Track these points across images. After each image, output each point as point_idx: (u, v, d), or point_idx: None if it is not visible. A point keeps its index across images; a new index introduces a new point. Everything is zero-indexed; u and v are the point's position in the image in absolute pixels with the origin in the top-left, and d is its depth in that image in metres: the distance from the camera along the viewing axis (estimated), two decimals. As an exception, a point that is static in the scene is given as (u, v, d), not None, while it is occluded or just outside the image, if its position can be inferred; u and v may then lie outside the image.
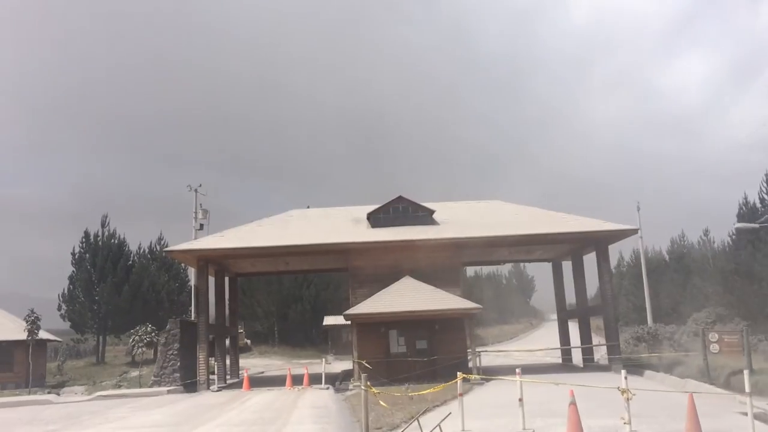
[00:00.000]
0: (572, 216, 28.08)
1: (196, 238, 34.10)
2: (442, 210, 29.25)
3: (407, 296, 25.10)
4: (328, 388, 24.96)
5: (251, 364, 44.06)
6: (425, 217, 28.37)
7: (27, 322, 28.26)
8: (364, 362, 24.48)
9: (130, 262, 52.23)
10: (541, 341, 56.08)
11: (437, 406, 16.34)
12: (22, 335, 30.02)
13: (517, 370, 12.00)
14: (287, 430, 13.57)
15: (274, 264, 31.07)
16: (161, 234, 58.20)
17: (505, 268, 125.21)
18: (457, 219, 28.99)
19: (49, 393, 28.20)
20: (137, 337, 28.66)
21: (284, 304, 69.85)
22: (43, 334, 34.12)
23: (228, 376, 30.86)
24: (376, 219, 28.27)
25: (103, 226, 52.18)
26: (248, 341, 65.98)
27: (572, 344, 32.29)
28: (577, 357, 31.09)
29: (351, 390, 23.23)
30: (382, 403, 12.18)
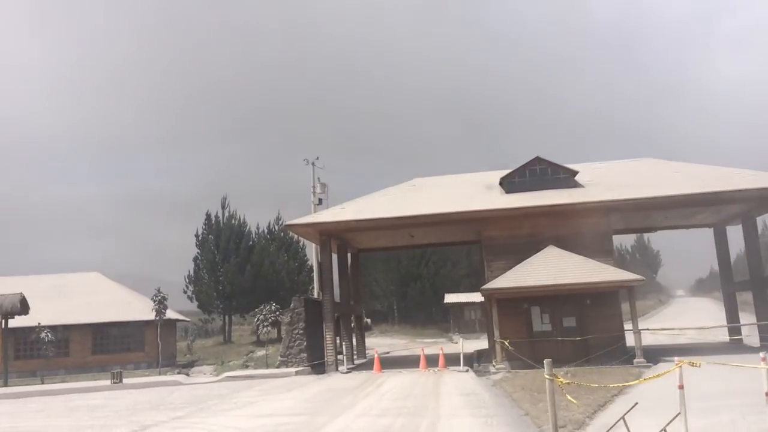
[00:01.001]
0: (748, 171, 23.83)
1: (287, 222, 32.92)
2: (585, 171, 25.90)
3: (553, 268, 22.13)
4: (467, 371, 22.61)
5: (373, 343, 42.63)
6: (566, 179, 25.15)
7: (154, 302, 27.95)
8: (506, 342, 21.92)
9: (251, 243, 52.29)
10: (679, 319, 50.97)
11: (615, 395, 13.47)
12: (152, 315, 29.95)
13: (685, 361, 8.99)
14: (443, 424, 11.28)
15: (398, 237, 28.99)
16: (279, 214, 57.98)
17: (628, 241, 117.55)
18: (604, 180, 25.52)
19: (178, 373, 27.82)
20: (261, 317, 27.66)
21: (403, 282, 68.31)
22: (172, 315, 34.20)
23: (354, 356, 29.28)
24: (510, 184, 25.39)
25: (223, 207, 52.55)
26: (368, 320, 64.82)
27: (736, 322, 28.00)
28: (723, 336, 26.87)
29: (494, 373, 20.72)
30: (570, 398, 9.54)
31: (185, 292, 50.82)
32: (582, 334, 22.65)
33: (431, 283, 67.46)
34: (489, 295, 22.20)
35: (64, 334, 33.52)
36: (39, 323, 28.81)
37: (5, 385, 25.98)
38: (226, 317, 51.97)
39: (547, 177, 25.22)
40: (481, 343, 48.79)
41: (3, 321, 26.30)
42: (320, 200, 32.49)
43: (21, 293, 26.78)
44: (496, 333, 22.01)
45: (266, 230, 57.01)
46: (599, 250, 23.23)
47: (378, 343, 43.69)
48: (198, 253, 51.64)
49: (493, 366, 22.02)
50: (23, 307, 26.72)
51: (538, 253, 23.16)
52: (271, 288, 50.51)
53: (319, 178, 32.78)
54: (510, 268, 23.21)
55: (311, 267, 58.85)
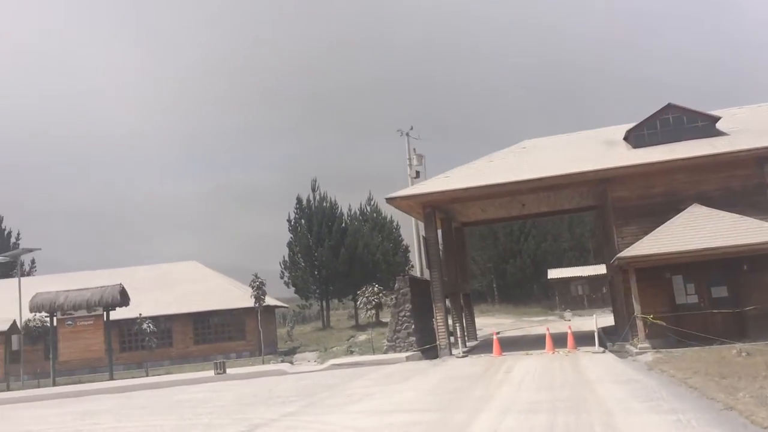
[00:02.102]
0: None
1: (387, 195, 30.84)
2: (726, 118, 22.28)
3: (702, 229, 18.93)
4: (603, 352, 19.85)
5: (476, 324, 40.27)
6: (705, 127, 21.69)
7: (252, 288, 26.72)
8: (650, 318, 18.99)
9: (343, 225, 50.87)
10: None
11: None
12: (251, 302, 28.87)
13: None
14: (622, 424, 8.79)
15: (507, 207, 26.37)
16: (370, 194, 56.39)
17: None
18: (750, 126, 21.90)
19: (282, 361, 26.52)
20: (364, 299, 25.84)
21: (501, 259, 65.26)
22: (270, 301, 33.14)
23: (465, 338, 27.02)
24: (638, 137, 22.19)
25: (313, 190, 51.36)
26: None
27: None
28: None
29: (639, 353, 17.87)
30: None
31: (281, 278, 50.24)
32: (736, 305, 19.41)
33: (532, 258, 64.07)
34: (627, 263, 19.24)
35: (166, 324, 33.13)
36: (140, 314, 28.29)
37: (111, 378, 25.53)
38: (324, 302, 50.96)
39: (681, 126, 21.85)
40: (593, 321, 45.39)
41: (105, 313, 25.79)
42: (417, 173, 30.29)
43: (120, 284, 26.21)
44: (637, 307, 19.08)
45: (358, 212, 55.63)
46: (753, 206, 19.79)
47: (482, 324, 41.19)
48: (291, 238, 50.81)
49: (633, 346, 19.16)
50: (123, 299, 26.13)
51: (680, 214, 19.98)
52: (366, 270, 49.00)
53: (414, 149, 30.58)
54: (644, 232, 20.21)
55: (406, 247, 57.14)
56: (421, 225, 29.04)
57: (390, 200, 22.70)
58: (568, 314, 47.78)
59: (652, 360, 16.00)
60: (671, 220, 19.86)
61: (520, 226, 64.24)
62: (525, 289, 65.76)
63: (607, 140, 23.38)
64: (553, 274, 58.23)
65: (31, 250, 29.76)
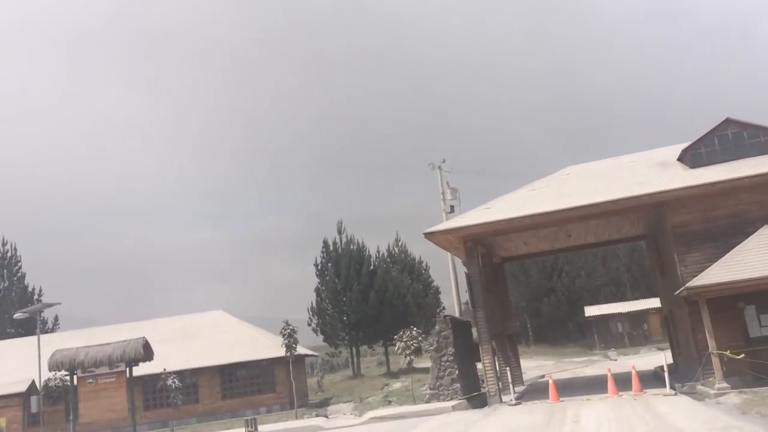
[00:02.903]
0: None
1: (425, 230, 29.40)
2: (787, 131, 20.57)
3: (780, 253, 17.08)
4: (675, 394, 17.81)
5: (519, 366, 37.98)
6: (768, 142, 19.98)
7: (283, 336, 25.10)
8: (726, 353, 17.01)
9: (372, 268, 49.20)
10: None
11: None
12: (281, 352, 27.20)
13: None
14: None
15: (552, 239, 24.65)
16: (398, 235, 54.78)
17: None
18: (817, 141, 20.14)
19: (316, 415, 24.67)
20: (402, 344, 24.04)
21: (534, 297, 62.89)
22: (301, 350, 31.43)
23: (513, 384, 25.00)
24: (695, 156, 20.50)
25: (339, 232, 49.95)
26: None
27: None
28: None
29: (719, 395, 15.84)
30: None
31: (309, 325, 48.46)
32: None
33: (567, 295, 61.63)
34: (697, 294, 17.34)
35: (191, 378, 31.45)
36: (165, 369, 26.73)
37: (135, 438, 23.85)
38: (353, 349, 48.97)
39: (742, 142, 20.15)
40: (642, 359, 43.00)
41: (127, 369, 24.24)
42: (452, 207, 28.81)
43: (143, 338, 24.70)
44: (712, 343, 17.10)
45: (386, 254, 54.01)
46: (830, 226, 17.94)
47: (524, 366, 38.97)
48: (318, 283, 49.24)
49: (708, 386, 17.12)
50: (147, 353, 24.57)
51: (750, 237, 18.14)
52: (397, 314, 47.07)
53: (448, 183, 29.15)
54: (709, 260, 18.38)
55: (437, 288, 55.25)
56: (458, 262, 27.44)
57: (429, 235, 21.10)
58: (612, 353, 45.23)
59: (741, 402, 14.02)
60: (741, 244, 18.02)
61: (552, 262, 62.10)
62: (561, 328, 63.20)
63: (660, 161, 21.71)
64: (591, 311, 55.75)
65: (50, 305, 28.58)
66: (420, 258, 53.62)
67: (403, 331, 24.74)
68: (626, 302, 57.58)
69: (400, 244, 53.99)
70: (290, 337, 24.64)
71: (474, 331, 24.54)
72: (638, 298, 59.14)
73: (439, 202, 28.96)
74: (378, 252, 52.07)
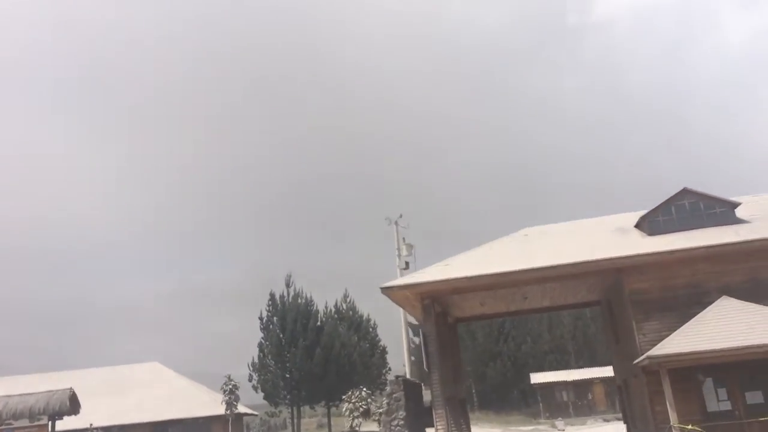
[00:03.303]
0: None
1: (382, 285, 28.73)
2: (745, 205, 21.01)
3: (738, 324, 17.03)
4: (635, 467, 17.25)
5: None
6: (724, 214, 20.28)
7: (224, 392, 23.61)
8: (689, 427, 16.62)
9: (319, 324, 47.84)
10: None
11: None
12: (219, 409, 25.57)
13: None
14: None
15: (508, 300, 24.23)
16: (346, 291, 53.68)
17: None
18: (770, 214, 20.62)
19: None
20: (350, 405, 22.90)
21: (480, 361, 62.21)
22: (240, 408, 29.69)
23: (463, 451, 23.99)
24: (653, 224, 20.62)
25: (288, 286, 48.68)
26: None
27: None
28: None
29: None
30: None
31: (250, 381, 46.35)
32: (777, 412, 17.25)
33: (512, 361, 61.22)
34: (658, 364, 17.04)
35: (120, 435, 29.24)
36: (91, 424, 24.70)
37: (52, 501, 21.60)
38: (294, 409, 47.00)
39: (699, 212, 20.41)
40: (593, 429, 42.51)
41: (50, 423, 22.21)
42: (407, 264, 28.24)
43: (70, 388, 22.78)
44: (673, 415, 16.71)
45: (333, 309, 52.72)
46: (784, 300, 18.09)
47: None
48: (262, 338, 47.48)
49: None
50: (73, 406, 22.61)
51: (708, 308, 18.11)
52: (343, 373, 45.63)
53: (404, 239, 28.66)
54: (668, 329, 18.30)
55: (384, 348, 54.02)
56: (412, 320, 26.77)
57: (386, 290, 20.35)
58: (560, 423, 44.62)
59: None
60: (700, 314, 17.95)
61: (499, 326, 61.92)
62: (506, 394, 62.47)
63: (618, 227, 21.79)
64: (537, 378, 55.34)
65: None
66: (368, 316, 52.57)
67: (352, 392, 23.67)
68: (571, 370, 57.47)
69: (348, 300, 52.89)
70: (231, 394, 23.23)
71: (426, 393, 23.68)
72: (582, 367, 59.24)
73: (394, 258, 28.42)
74: (326, 307, 50.84)
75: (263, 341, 47.21)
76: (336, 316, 52.19)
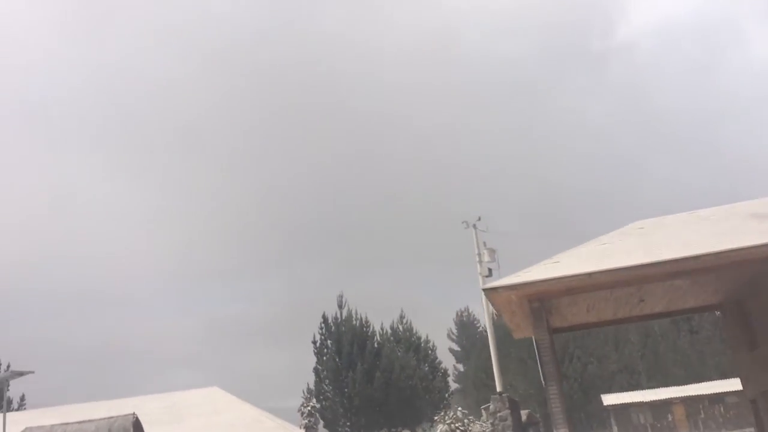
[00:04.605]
0: None
1: (485, 285, 25.90)
2: None
3: None
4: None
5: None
6: None
7: (302, 414, 21.09)
8: None
9: (376, 346, 45.19)
10: None
11: None
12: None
13: None
14: None
15: (622, 303, 21.27)
16: (402, 312, 51.00)
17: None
18: None
19: None
20: (446, 427, 20.19)
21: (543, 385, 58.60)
22: (307, 434, 27.10)
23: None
24: (801, 206, 17.71)
25: (340, 307, 46.28)
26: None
27: None
28: None
29: None
30: None
31: (300, 410, 43.64)
32: None
33: (579, 382, 57.51)
34: None
35: (180, 467, 26.79)
36: (154, 454, 22.26)
37: None
38: (355, 436, 44.17)
39: None
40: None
41: (111, 453, 19.88)
42: (489, 271, 25.61)
43: (133, 414, 20.48)
44: None
45: (389, 331, 50.05)
46: None
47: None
48: (317, 362, 44.99)
49: None
50: (136, 433, 20.31)
51: None
52: (404, 398, 42.84)
53: (485, 243, 26.05)
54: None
55: (445, 371, 51.07)
56: (499, 332, 24.05)
57: (490, 292, 17.63)
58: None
59: None
60: None
61: (563, 344, 58.34)
62: (573, 417, 58.58)
63: (755, 213, 18.85)
64: (609, 399, 51.59)
65: (21, 374, 24.30)
66: (427, 337, 49.70)
67: (445, 412, 20.98)
68: (645, 391, 53.62)
69: (404, 321, 50.17)
70: (311, 416, 20.66)
71: (523, 413, 20.90)
72: (654, 387, 55.35)
73: (474, 265, 25.81)
74: (382, 329, 48.20)
75: (318, 366, 44.74)
76: (392, 338, 49.55)
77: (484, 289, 17.84)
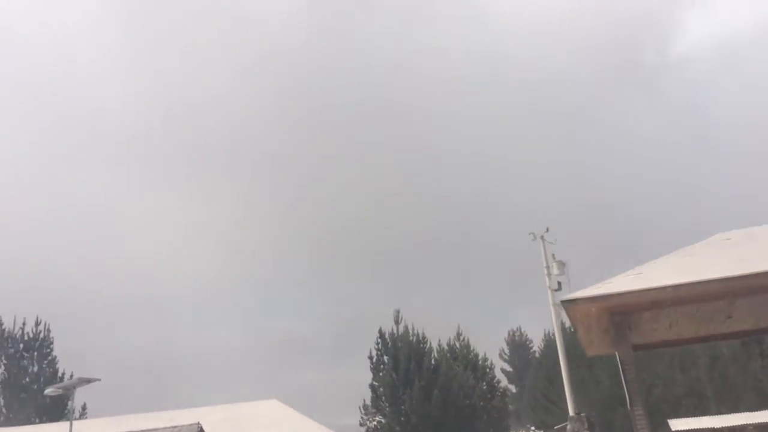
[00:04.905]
0: None
1: (555, 302, 24.92)
2: None
3: None
4: None
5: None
6: None
7: (368, 430, 20.47)
8: None
9: (433, 363, 44.29)
10: None
11: None
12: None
13: None
14: None
15: (706, 320, 20.02)
16: (459, 329, 49.97)
17: None
18: None
19: None
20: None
21: (606, 406, 56.38)
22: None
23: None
24: None
25: (396, 322, 45.60)
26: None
27: None
28: None
29: None
30: None
31: (361, 425, 43.14)
32: None
33: (644, 407, 54.96)
34: None
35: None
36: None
37: None
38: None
39: None
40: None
41: (177, 462, 19.76)
42: (559, 284, 24.62)
43: (198, 423, 20.41)
44: None
45: (446, 348, 49.09)
46: None
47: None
48: (372, 378, 44.36)
49: None
50: (200, 443, 20.16)
51: None
52: (462, 417, 41.72)
53: (553, 255, 25.07)
54: None
55: (504, 390, 49.78)
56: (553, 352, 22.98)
57: (569, 303, 16.75)
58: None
59: None
60: None
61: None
62: (637, 443, 56.15)
63: None
64: (678, 425, 48.90)
65: (88, 381, 24.49)
66: (485, 355, 48.54)
67: (529, 428, 19.98)
68: (715, 416, 50.90)
69: (462, 338, 49.12)
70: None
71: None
72: (724, 413, 52.50)
73: (530, 283, 24.86)
74: (439, 345, 47.29)
75: (374, 383, 44.12)
76: (449, 355, 48.59)
77: (562, 301, 16.91)
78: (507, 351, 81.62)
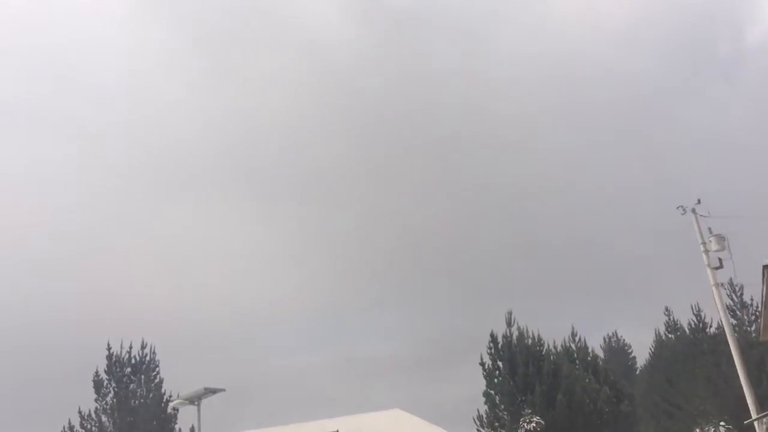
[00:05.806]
0: None
1: (716, 283, 21.96)
2: None
3: None
4: None
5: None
6: None
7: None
8: None
9: (553, 366, 41.20)
10: None
11: None
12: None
13: None
14: None
15: None
16: (573, 329, 46.57)
17: None
18: None
19: None
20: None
21: (741, 408, 51.52)
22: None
23: None
24: None
25: (509, 325, 42.71)
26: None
27: None
28: None
29: None
30: None
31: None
32: None
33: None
34: None
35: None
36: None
37: None
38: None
39: None
40: None
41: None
42: (720, 261, 21.74)
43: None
44: None
45: (561, 349, 45.78)
46: None
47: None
48: (486, 386, 41.66)
49: None
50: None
51: None
52: (590, 424, 38.41)
53: (710, 229, 22.23)
54: None
55: (630, 394, 45.99)
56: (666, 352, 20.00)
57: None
58: None
59: None
60: None
61: (758, 359, 50.84)
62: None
63: None
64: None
65: (215, 391, 23.49)
66: (606, 357, 45.02)
67: (700, 428, 17.34)
68: None
69: (578, 338, 45.80)
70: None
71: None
72: None
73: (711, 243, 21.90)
74: (554, 346, 44.11)
75: (489, 390, 41.43)
76: (565, 357, 45.35)
77: (765, 266, 14.40)
78: (603, 356, 77.06)
